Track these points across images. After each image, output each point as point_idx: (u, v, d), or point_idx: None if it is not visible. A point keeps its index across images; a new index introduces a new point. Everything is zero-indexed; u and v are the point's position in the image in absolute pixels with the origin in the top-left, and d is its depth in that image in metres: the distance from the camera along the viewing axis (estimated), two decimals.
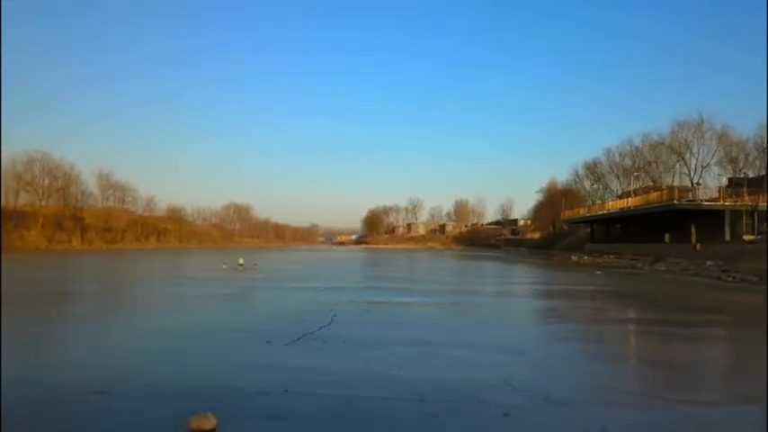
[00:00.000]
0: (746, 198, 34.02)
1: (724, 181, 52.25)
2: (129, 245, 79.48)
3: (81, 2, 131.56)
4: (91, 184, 78.32)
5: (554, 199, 74.03)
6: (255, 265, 28.91)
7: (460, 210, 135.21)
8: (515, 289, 18.81)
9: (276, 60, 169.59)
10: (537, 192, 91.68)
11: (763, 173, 45.42)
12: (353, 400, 4.76)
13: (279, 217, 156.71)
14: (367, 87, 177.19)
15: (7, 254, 48.13)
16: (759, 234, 31.73)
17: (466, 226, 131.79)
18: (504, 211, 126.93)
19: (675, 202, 34.71)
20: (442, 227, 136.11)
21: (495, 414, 4.46)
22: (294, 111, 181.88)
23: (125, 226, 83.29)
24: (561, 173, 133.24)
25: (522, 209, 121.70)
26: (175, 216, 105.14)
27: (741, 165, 46.02)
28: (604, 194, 59.34)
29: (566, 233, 73.77)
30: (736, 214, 32.85)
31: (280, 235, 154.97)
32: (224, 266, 27.30)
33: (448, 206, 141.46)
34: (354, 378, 5.56)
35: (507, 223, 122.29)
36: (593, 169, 62.75)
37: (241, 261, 28.34)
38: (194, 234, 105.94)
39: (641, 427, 4.28)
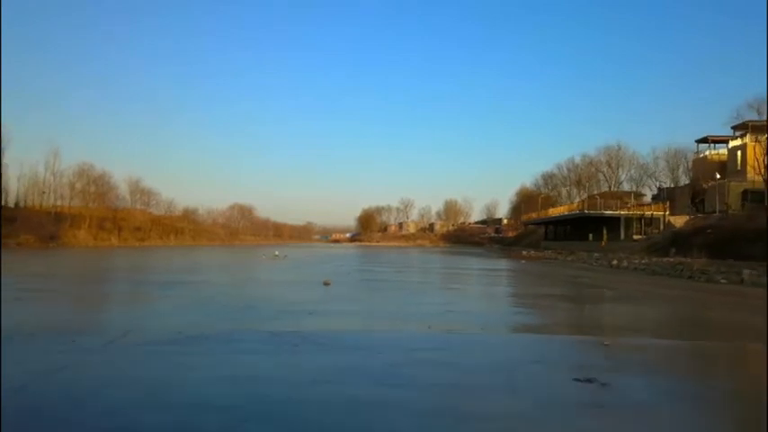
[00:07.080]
0: (635, 208, 46.95)
1: (654, 190, 65.65)
2: (154, 242, 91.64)
3: (81, 2, 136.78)
4: (123, 189, 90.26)
5: (521, 202, 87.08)
6: (285, 256, 41.33)
7: (449, 209, 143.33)
8: (454, 267, 31.36)
9: (272, 59, 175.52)
10: (516, 195, 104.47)
11: (682, 184, 58.63)
12: (362, 281, 17.45)
13: (276, 215, 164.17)
14: (363, 88, 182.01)
15: (70, 248, 60.00)
16: (645, 235, 44.35)
17: (453, 225, 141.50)
18: (489, 210, 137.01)
19: (586, 211, 47.58)
20: (431, 225, 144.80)
21: (399, 285, 17.21)
22: (292, 111, 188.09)
23: (150, 226, 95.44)
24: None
25: (507, 208, 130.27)
26: (189, 216, 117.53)
27: (641, 182, 59.20)
28: (558, 200, 72.18)
29: (531, 232, 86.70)
30: (629, 220, 45.62)
31: (278, 233, 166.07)
32: (263, 257, 39.68)
33: (437, 206, 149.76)
34: (360, 280, 18.27)
35: (492, 222, 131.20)
36: (548, 180, 76.05)
37: (276, 253, 40.89)
38: (204, 232, 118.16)
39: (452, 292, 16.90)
